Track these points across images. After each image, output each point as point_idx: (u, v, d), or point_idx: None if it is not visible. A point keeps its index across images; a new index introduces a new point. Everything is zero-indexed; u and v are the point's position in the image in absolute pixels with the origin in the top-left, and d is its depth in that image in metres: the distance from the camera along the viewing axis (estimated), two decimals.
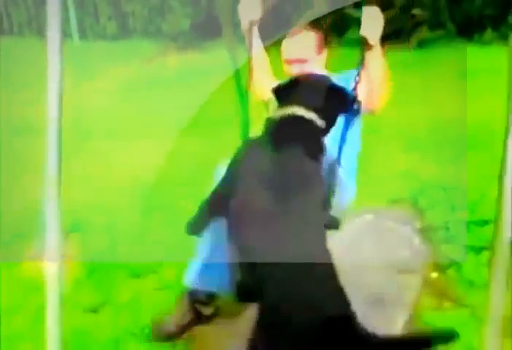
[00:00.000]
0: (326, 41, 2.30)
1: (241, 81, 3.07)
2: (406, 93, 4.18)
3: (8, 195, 3.27)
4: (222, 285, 2.04)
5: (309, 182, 1.66)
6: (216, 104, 4.19)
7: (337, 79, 2.01)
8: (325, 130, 1.77)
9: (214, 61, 4.85)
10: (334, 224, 1.81)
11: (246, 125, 2.51)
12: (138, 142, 4.23)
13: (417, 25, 5.90)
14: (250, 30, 2.15)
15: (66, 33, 6.42)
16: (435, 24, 5.94)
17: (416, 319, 2.15)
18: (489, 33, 5.68)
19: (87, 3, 7.77)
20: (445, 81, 4.53)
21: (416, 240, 2.63)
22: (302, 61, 2.19)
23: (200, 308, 2.13)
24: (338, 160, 1.85)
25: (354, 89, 1.88)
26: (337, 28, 5.76)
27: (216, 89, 3.95)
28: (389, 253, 2.44)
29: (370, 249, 2.40)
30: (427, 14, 5.91)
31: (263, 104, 2.32)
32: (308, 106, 1.73)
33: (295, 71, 2.17)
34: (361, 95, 1.97)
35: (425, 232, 2.69)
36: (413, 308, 2.19)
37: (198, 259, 2.09)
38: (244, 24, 2.16)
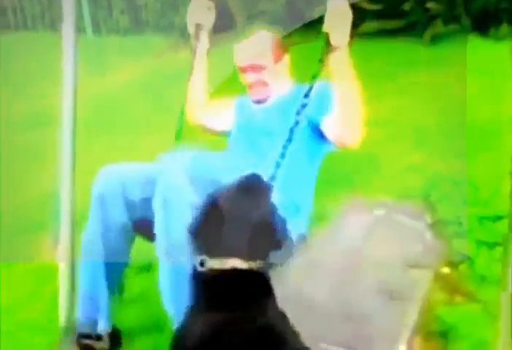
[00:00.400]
0: (285, 46, 2.01)
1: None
2: (416, 88, 4.17)
3: (22, 188, 3.30)
4: (104, 316, 1.90)
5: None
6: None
7: (301, 88, 1.81)
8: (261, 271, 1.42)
9: (226, 55, 4.85)
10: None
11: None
12: (150, 137, 4.24)
13: (431, 18, 5.84)
14: (196, 35, 2.00)
15: (79, 28, 6.44)
16: (449, 18, 5.87)
17: (428, 314, 2.15)
18: (504, 28, 5.61)
19: None
20: (457, 76, 4.50)
21: (428, 235, 2.62)
22: (257, 68, 1.92)
23: (92, 343, 1.85)
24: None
25: (299, 112, 1.65)
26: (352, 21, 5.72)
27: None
28: (400, 248, 2.44)
29: (382, 244, 2.39)
30: (442, 7, 5.84)
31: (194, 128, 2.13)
32: (246, 256, 1.34)
33: (250, 80, 1.94)
34: (329, 125, 1.74)
35: (437, 227, 2.67)
36: (425, 303, 2.19)
37: (80, 292, 1.88)
38: (190, 28, 2.00)
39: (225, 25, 6.39)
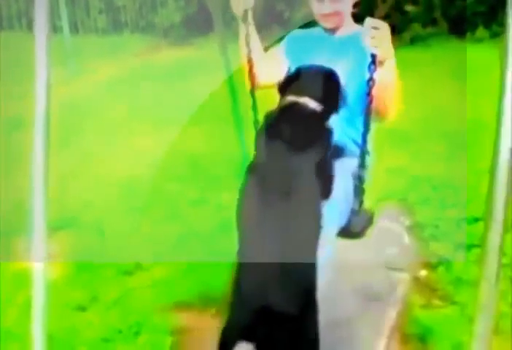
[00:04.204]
0: None
1: (233, 83, 3.06)
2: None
3: None
4: None
5: (298, 179, 1.61)
6: (211, 101, 4.18)
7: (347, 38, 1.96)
8: (323, 113, 1.74)
9: (205, 56, 4.83)
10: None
11: (239, 120, 2.47)
12: (129, 137, 4.20)
13: (410, 21, 5.90)
14: (244, 19, 2.00)
15: (56, 27, 6.36)
16: (427, 21, 5.94)
17: (406, 316, 2.15)
18: (481, 31, 5.68)
19: None
20: (438, 78, 4.54)
21: (406, 237, 2.63)
22: (338, 14, 2.00)
23: None
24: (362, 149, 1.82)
25: (369, 92, 1.73)
26: None
27: (211, 85, 3.92)
28: (378, 250, 2.44)
29: (359, 247, 2.39)
30: (420, 10, 5.91)
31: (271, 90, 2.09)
32: (301, 92, 1.75)
33: (327, 11, 1.99)
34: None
35: (415, 229, 2.69)
36: (403, 305, 2.19)
37: None
38: (238, 12, 2.00)
39: (203, 27, 6.39)
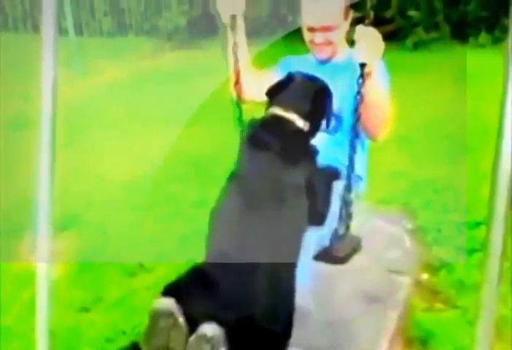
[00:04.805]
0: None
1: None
2: (400, 95, 4.19)
3: (2, 190, 3.25)
4: None
5: (283, 191, 1.55)
6: (213, 103, 4.19)
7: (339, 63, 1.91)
8: (309, 133, 1.67)
9: (209, 59, 4.85)
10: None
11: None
12: (133, 138, 4.22)
13: (413, 26, 5.93)
14: (233, 26, 1.90)
15: (61, 29, 6.38)
16: (430, 26, 5.96)
17: (408, 320, 2.16)
18: (483, 36, 5.70)
19: None
20: (441, 83, 4.54)
21: (408, 241, 2.64)
22: (328, 29, 1.91)
23: None
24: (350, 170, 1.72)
25: (356, 110, 1.68)
26: None
27: (214, 87, 3.93)
28: (379, 253, 2.44)
29: (362, 249, 2.40)
30: (423, 15, 5.93)
31: (257, 106, 2.03)
32: (289, 107, 1.66)
33: (319, 40, 1.93)
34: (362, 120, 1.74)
35: (417, 233, 2.69)
36: (404, 308, 2.20)
37: None
38: (225, 19, 1.90)
39: (208, 30, 6.41)
